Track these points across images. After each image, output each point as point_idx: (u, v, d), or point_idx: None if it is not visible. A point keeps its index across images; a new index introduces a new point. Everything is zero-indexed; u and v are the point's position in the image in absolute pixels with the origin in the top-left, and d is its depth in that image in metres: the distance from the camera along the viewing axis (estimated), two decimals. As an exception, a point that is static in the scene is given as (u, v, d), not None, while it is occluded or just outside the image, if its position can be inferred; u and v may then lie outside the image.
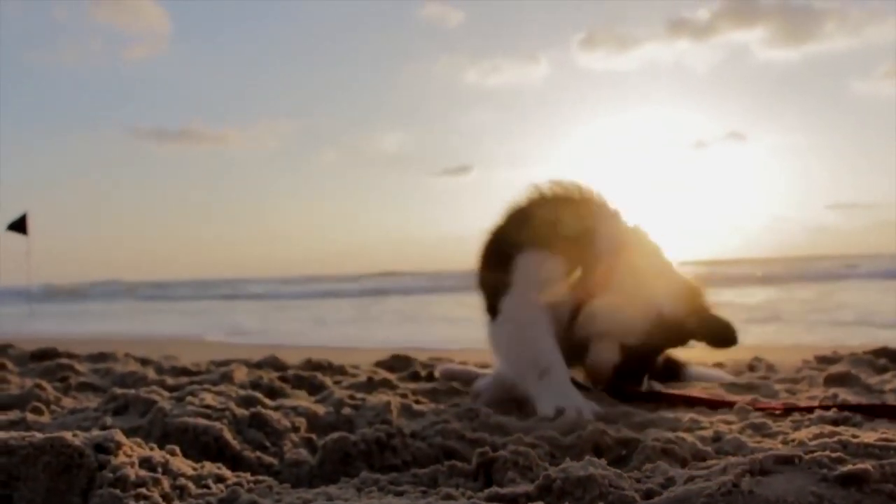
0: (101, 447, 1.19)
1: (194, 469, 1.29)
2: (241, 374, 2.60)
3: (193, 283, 30.72)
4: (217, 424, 1.53)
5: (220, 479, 1.26)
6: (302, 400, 2.06)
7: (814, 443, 1.21)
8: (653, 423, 1.72)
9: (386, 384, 2.44)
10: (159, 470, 1.21)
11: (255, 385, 2.25)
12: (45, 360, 3.16)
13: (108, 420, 1.68)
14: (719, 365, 3.15)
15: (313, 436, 1.65)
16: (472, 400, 2.17)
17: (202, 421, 1.54)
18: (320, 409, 1.84)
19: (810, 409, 1.79)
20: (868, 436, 1.22)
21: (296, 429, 1.66)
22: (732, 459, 1.15)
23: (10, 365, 2.97)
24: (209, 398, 1.81)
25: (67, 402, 2.19)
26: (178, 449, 1.37)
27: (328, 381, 2.48)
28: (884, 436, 1.21)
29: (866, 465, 1.03)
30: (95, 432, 1.28)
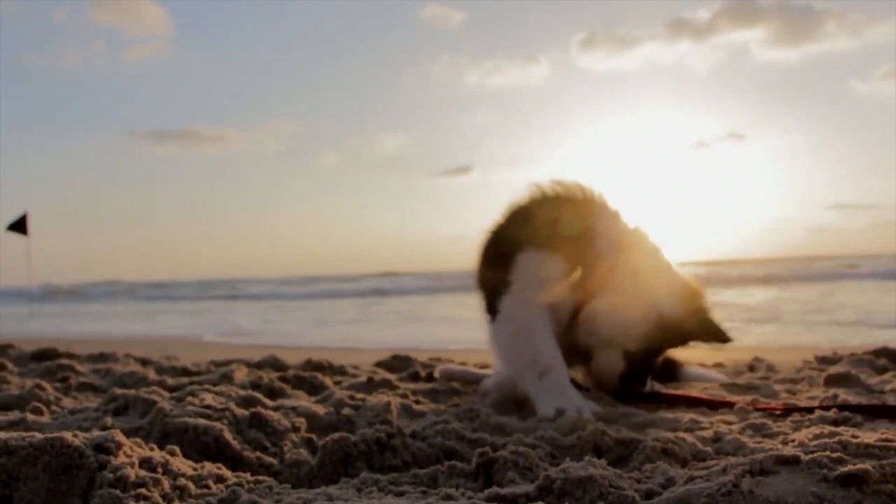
0: (101, 447, 1.19)
1: (194, 469, 1.29)
2: (241, 374, 2.60)
3: (194, 284, 30.73)
4: (217, 425, 1.53)
5: (220, 479, 1.26)
6: (302, 400, 2.06)
7: (814, 443, 1.21)
8: (653, 424, 1.72)
9: (386, 384, 2.44)
10: (159, 470, 1.21)
11: (256, 385, 2.25)
12: (46, 360, 3.16)
13: (109, 420, 1.68)
14: (719, 365, 3.16)
15: (313, 436, 1.65)
16: (480, 399, 2.17)
17: (202, 421, 1.54)
18: (320, 410, 1.84)
19: (810, 410, 1.79)
20: (868, 436, 1.22)
21: (296, 429, 1.66)
22: (732, 460, 1.15)
23: (10, 365, 2.97)
24: (209, 398, 1.81)
25: (67, 402, 2.19)
26: (178, 449, 1.37)
27: (328, 381, 2.48)
28: (884, 436, 1.21)
29: (866, 465, 1.03)
30: (95, 433, 1.28)
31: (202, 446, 1.48)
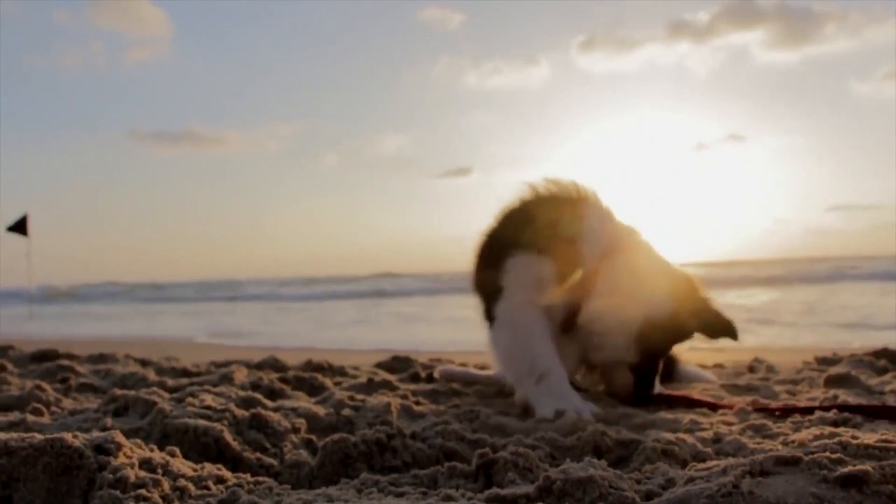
0: (101, 448, 1.19)
1: (194, 470, 1.29)
2: (241, 375, 2.60)
3: (193, 285, 30.75)
4: (217, 426, 1.53)
5: (220, 480, 1.26)
6: (302, 401, 2.06)
7: (814, 444, 1.21)
8: (653, 425, 1.72)
9: (386, 385, 2.44)
10: (159, 471, 1.21)
11: (256, 386, 2.25)
12: (46, 361, 3.16)
13: (109, 421, 1.68)
14: (719, 366, 3.16)
15: (313, 437, 1.65)
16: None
17: (202, 422, 1.54)
18: (320, 411, 1.84)
19: (810, 411, 1.79)
20: (868, 437, 1.22)
21: (296, 430, 1.66)
22: (732, 461, 1.15)
23: (10, 366, 2.97)
24: (209, 399, 1.81)
25: (67, 403, 2.19)
26: (178, 450, 1.37)
27: (328, 382, 2.48)
28: (884, 437, 1.21)
29: (866, 466, 1.03)
30: (95, 433, 1.28)
31: (202, 447, 1.48)
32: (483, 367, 2.64)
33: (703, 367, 2.88)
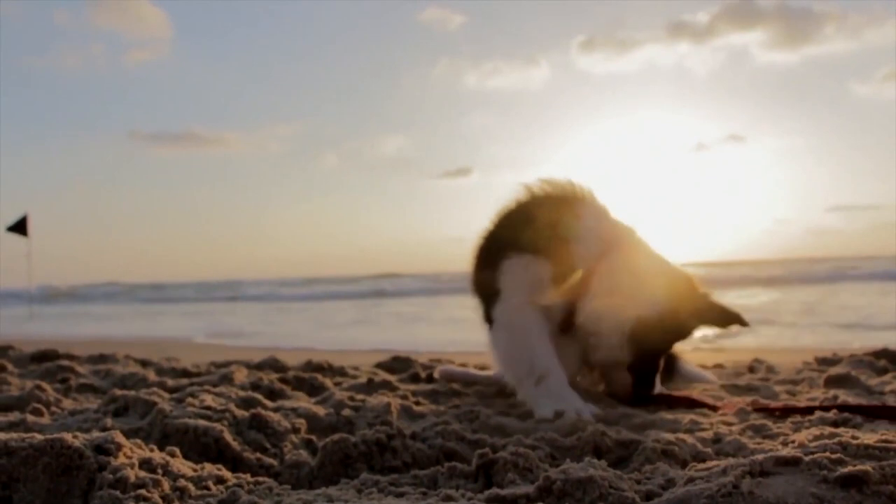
0: (101, 448, 1.19)
1: (194, 470, 1.29)
2: (241, 375, 2.60)
3: (193, 285, 30.74)
4: (217, 426, 1.53)
5: (220, 480, 1.26)
6: (302, 401, 2.06)
7: (814, 444, 1.21)
8: (653, 425, 1.72)
9: (386, 386, 2.44)
10: (159, 471, 1.21)
11: (256, 386, 2.25)
12: (46, 361, 3.16)
13: (109, 421, 1.68)
14: (719, 366, 3.16)
15: (313, 437, 1.65)
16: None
17: (202, 422, 1.54)
18: (320, 411, 1.84)
19: (810, 411, 1.79)
20: (868, 437, 1.22)
21: (296, 430, 1.66)
22: (732, 461, 1.15)
23: (10, 366, 2.97)
24: (209, 400, 1.81)
25: (67, 403, 2.19)
26: (178, 450, 1.37)
27: (328, 382, 2.48)
28: (884, 437, 1.21)
29: (866, 466, 1.03)
30: (95, 434, 1.28)
31: (202, 447, 1.48)
32: (483, 368, 2.64)
33: (704, 367, 2.88)
